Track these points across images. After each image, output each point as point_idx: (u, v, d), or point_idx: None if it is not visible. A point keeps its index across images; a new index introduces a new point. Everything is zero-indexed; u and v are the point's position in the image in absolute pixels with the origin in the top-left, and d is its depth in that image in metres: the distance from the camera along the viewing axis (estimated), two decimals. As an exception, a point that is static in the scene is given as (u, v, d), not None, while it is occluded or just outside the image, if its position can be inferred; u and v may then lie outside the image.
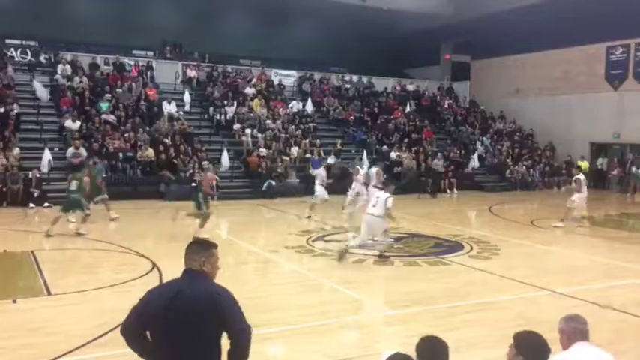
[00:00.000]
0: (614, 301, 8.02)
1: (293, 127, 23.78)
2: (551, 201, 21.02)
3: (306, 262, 10.64)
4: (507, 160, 25.63)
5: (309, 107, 26.01)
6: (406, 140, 25.20)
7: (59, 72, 22.74)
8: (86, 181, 13.20)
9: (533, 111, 27.89)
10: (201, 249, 3.32)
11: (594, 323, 6.56)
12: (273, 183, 19.96)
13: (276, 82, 27.69)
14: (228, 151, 20.91)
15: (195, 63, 26.87)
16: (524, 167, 25.29)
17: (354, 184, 14.74)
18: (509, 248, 12.14)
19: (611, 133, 24.60)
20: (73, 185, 12.60)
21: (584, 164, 24.89)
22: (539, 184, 25.02)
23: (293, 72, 28.96)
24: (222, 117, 23.26)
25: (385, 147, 24.46)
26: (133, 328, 3.22)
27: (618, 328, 7.03)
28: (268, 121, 23.61)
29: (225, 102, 23.85)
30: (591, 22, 23.71)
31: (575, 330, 3.47)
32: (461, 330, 6.79)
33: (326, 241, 12.40)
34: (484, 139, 27.31)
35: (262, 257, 11.07)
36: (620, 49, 24.60)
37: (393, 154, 23.80)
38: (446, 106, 30.11)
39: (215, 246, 3.40)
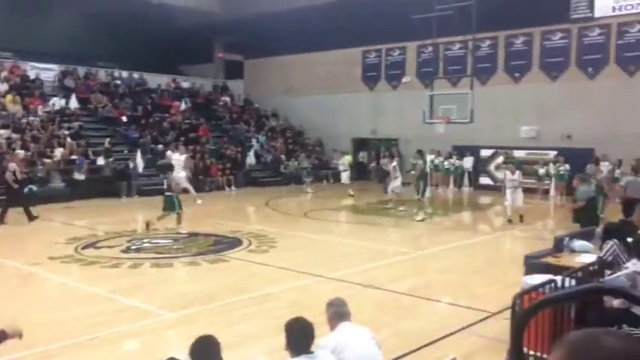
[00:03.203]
0: (376, 281, 8.93)
1: (55, 126, 21.69)
2: (322, 193, 22.60)
3: (76, 272, 9.81)
4: (282, 156, 26.81)
5: (74, 104, 24.00)
6: (182, 139, 24.79)
7: None
8: None
9: (302, 109, 29.59)
10: None
11: (359, 302, 7.25)
12: (34, 188, 17.97)
13: (32, 76, 24.95)
14: (-25, 154, 18.27)
15: None
16: (297, 162, 26.71)
17: None
18: (285, 240, 12.71)
19: (369, 130, 27.30)
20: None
21: (348, 158, 27.26)
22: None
23: (53, 66, 26.33)
24: (-33, 115, 20.22)
25: (160, 146, 23.73)
26: None
27: (380, 305, 7.84)
28: (24, 120, 21.17)
29: (-30, 98, 20.77)
30: (350, 28, 25.98)
31: (334, 313, 3.79)
32: (240, 324, 6.93)
33: (97, 247, 11.59)
34: (259, 136, 28.21)
35: (23, 272, 9.89)
36: (374, 53, 27.41)
37: (169, 153, 23.19)
38: (221, 104, 30.37)
39: None
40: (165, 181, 13.78)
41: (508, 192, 14.66)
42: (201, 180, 22.47)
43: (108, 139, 22.22)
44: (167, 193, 13.35)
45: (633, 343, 1.10)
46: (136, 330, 6.88)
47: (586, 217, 10.18)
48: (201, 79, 31.86)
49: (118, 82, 27.76)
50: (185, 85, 30.62)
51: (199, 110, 28.85)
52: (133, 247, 11.63)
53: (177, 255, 10.97)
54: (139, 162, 21.42)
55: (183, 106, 27.89)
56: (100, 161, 20.88)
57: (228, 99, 31.13)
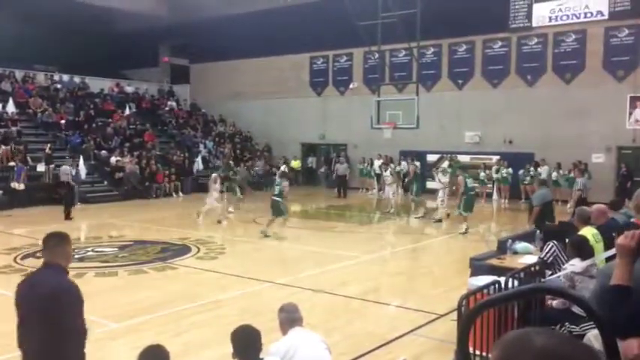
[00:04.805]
0: (325, 285, 8.96)
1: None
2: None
3: (16, 282, 9.36)
4: (230, 162, 26.51)
5: (11, 109, 23.08)
6: (127, 144, 24.21)
7: None
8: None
9: (251, 114, 29.41)
10: (56, 242, 3.56)
11: (310, 307, 7.26)
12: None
13: (-34, 79, 23.89)
14: None
15: None
16: (245, 168, 26.54)
17: None
18: (234, 247, 12.61)
19: (318, 135, 27.40)
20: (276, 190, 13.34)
21: (297, 163, 27.33)
22: (261, 183, 26.50)
23: (-12, 68, 25.30)
24: None
25: (104, 152, 23.10)
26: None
27: (330, 309, 7.87)
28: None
29: None
30: (297, 34, 26.06)
31: (285, 319, 3.79)
32: (190, 332, 6.81)
33: (37, 257, 11.14)
34: (207, 141, 27.85)
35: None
36: (321, 59, 27.57)
37: (114, 159, 22.63)
38: (167, 109, 29.84)
39: (67, 237, 3.66)
40: (277, 187, 13.55)
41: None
42: (148, 186, 22.05)
43: (49, 145, 21.45)
44: (275, 198, 13.20)
45: (562, 342, 1.16)
46: (79, 342, 6.65)
47: (541, 219, 10.38)
48: (145, 84, 31.22)
49: (59, 85, 26.89)
50: (129, 89, 29.93)
51: (144, 115, 28.26)
52: (76, 256, 11.23)
53: (123, 264, 10.70)
54: (82, 168, 20.77)
55: (127, 111, 27.26)
56: (40, 168, 20.13)
57: (174, 104, 30.63)
